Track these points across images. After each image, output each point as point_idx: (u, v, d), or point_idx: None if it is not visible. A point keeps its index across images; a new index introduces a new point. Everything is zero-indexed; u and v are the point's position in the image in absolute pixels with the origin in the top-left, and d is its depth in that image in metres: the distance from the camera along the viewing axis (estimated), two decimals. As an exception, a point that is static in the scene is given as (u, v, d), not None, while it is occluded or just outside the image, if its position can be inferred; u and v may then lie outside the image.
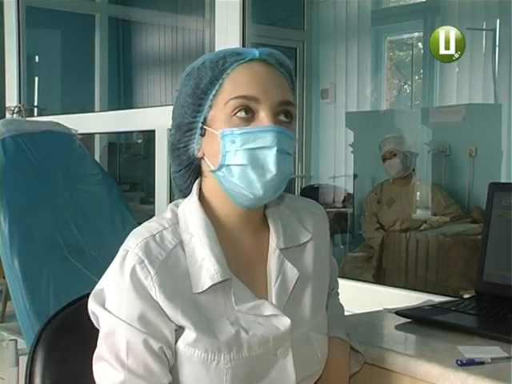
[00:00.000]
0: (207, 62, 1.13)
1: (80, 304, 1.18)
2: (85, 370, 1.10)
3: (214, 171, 1.12)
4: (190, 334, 1.06)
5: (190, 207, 1.14)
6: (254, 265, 1.16)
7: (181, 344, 1.07)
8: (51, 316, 1.22)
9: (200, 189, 1.17)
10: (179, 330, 1.07)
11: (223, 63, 1.11)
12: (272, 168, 1.08)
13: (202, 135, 1.13)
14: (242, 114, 1.09)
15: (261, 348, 1.11)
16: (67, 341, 1.21)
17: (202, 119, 1.13)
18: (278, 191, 1.12)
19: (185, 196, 1.19)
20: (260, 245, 1.18)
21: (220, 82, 1.11)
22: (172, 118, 1.18)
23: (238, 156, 1.08)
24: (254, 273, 1.15)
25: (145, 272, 1.05)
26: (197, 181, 1.17)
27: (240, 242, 1.16)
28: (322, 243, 1.26)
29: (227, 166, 1.09)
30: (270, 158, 1.08)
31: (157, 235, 1.10)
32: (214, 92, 1.11)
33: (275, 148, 1.08)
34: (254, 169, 1.08)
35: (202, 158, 1.15)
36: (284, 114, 1.11)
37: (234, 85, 1.10)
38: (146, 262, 1.06)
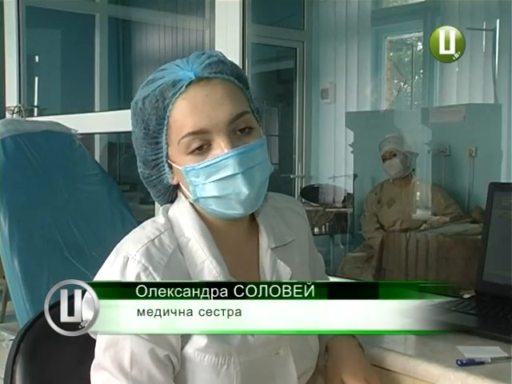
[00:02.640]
0: (147, 102, 1.10)
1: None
2: (66, 377, 1.09)
3: (193, 201, 1.13)
4: (200, 339, 1.06)
5: (181, 212, 1.15)
6: (248, 265, 1.17)
7: (189, 349, 1.07)
8: (25, 328, 1.20)
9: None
10: (186, 336, 1.07)
11: (163, 101, 1.09)
12: (244, 190, 1.08)
13: (170, 167, 1.13)
14: (196, 149, 1.08)
15: (265, 348, 1.11)
16: (46, 349, 1.20)
17: (164, 155, 1.12)
18: (259, 202, 1.13)
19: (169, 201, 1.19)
20: (251, 245, 1.19)
21: (166, 120, 1.09)
22: (136, 153, 1.17)
23: (208, 189, 1.09)
24: (247, 273, 1.16)
25: (150, 279, 1.05)
26: (182, 188, 1.16)
27: (232, 243, 1.16)
28: (304, 241, 1.27)
29: (201, 198, 1.10)
30: (238, 182, 1.08)
31: (155, 240, 1.10)
32: (165, 131, 1.10)
33: (240, 173, 1.07)
34: (226, 196, 1.08)
35: (178, 184, 1.15)
36: (240, 130, 1.09)
37: (179, 123, 1.08)
38: (151, 268, 1.06)
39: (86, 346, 1.12)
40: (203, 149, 1.08)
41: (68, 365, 1.12)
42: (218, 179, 1.07)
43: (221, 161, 1.07)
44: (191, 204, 1.15)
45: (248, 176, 1.08)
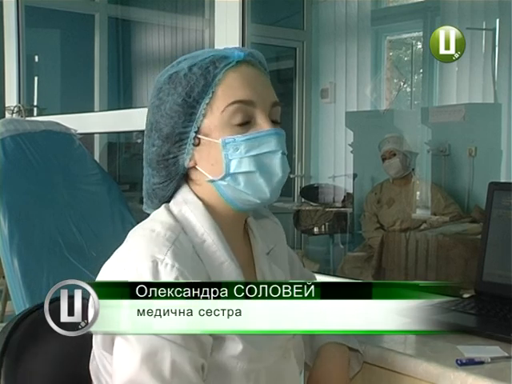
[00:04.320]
0: (195, 68, 1.09)
1: (40, 312, 1.13)
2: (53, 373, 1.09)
3: (213, 181, 1.10)
4: (235, 346, 1.04)
5: (193, 212, 1.11)
6: (246, 268, 1.17)
7: (222, 356, 1.04)
8: (8, 334, 1.20)
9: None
10: (217, 342, 1.05)
11: (214, 69, 1.08)
12: (278, 171, 1.08)
13: (196, 145, 1.10)
14: (240, 119, 1.07)
15: (279, 352, 1.12)
16: (33, 352, 1.19)
17: (195, 128, 1.09)
18: (278, 195, 1.12)
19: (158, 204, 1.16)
20: (247, 249, 1.19)
21: (212, 90, 1.08)
22: (153, 129, 1.12)
23: (244, 163, 1.07)
24: (247, 274, 1.16)
25: None
26: (185, 188, 1.14)
27: (235, 246, 1.16)
28: (283, 248, 1.28)
29: (232, 174, 1.08)
30: (275, 161, 1.08)
31: (176, 242, 1.06)
32: (207, 100, 1.08)
33: (280, 151, 1.08)
34: (261, 174, 1.07)
35: (193, 167, 1.12)
36: (272, 121, 1.10)
37: (228, 91, 1.08)
38: (186, 272, 1.03)
39: (76, 343, 1.10)
40: (246, 124, 1.07)
41: (56, 361, 1.11)
42: (258, 154, 1.07)
43: (264, 136, 1.07)
44: (203, 204, 1.12)
45: (284, 160, 1.08)
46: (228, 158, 1.07)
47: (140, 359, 1.00)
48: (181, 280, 1.02)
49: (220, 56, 1.10)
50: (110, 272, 1.07)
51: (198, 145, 1.10)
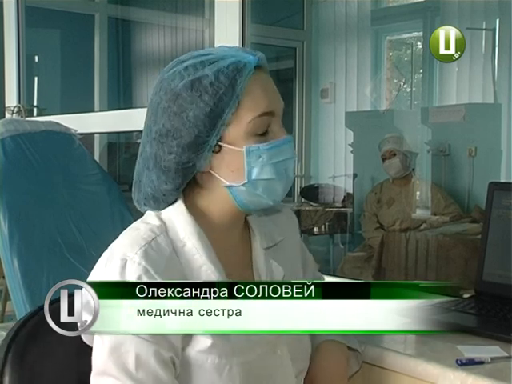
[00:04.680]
0: (221, 77, 1.07)
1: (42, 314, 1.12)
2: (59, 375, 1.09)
3: (231, 186, 1.11)
4: (204, 340, 1.06)
5: (177, 216, 1.13)
6: (242, 265, 1.17)
7: (191, 351, 1.06)
8: (16, 330, 1.19)
9: (185, 197, 1.15)
10: (187, 337, 1.06)
11: (239, 77, 1.08)
12: (291, 175, 1.14)
13: (216, 152, 1.10)
14: (263, 130, 1.10)
15: (263, 348, 1.11)
16: (36, 351, 1.19)
17: (217, 137, 1.09)
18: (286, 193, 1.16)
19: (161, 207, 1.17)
20: (245, 245, 1.19)
21: (239, 98, 1.08)
22: (170, 135, 1.10)
23: (266, 170, 1.10)
24: (243, 274, 1.16)
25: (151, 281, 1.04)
26: (214, 175, 1.14)
27: (227, 246, 1.16)
28: (294, 241, 1.28)
29: (253, 180, 1.10)
30: (290, 167, 1.13)
31: (152, 242, 1.08)
32: (233, 109, 1.08)
33: (294, 157, 1.13)
34: (280, 180, 1.11)
35: (207, 172, 1.12)
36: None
37: (254, 101, 1.09)
38: (152, 270, 1.05)
39: (80, 345, 1.11)
40: (265, 133, 1.11)
41: (61, 364, 1.11)
42: (278, 161, 1.11)
43: (283, 144, 1.11)
44: (186, 208, 1.13)
45: (295, 164, 1.15)
46: (251, 165, 1.09)
47: (107, 352, 1.03)
48: (144, 279, 1.03)
49: (241, 62, 1.09)
50: (95, 270, 1.10)
51: (218, 152, 1.10)
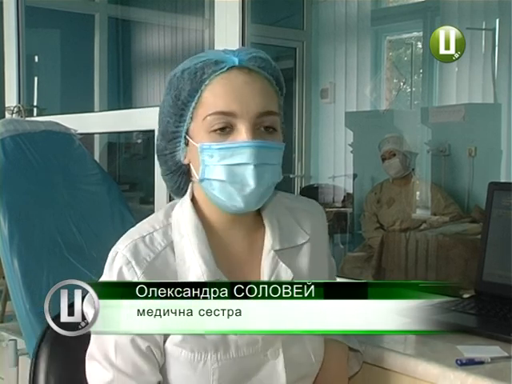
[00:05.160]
0: (186, 72, 1.11)
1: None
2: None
3: (198, 181, 1.13)
4: (176, 335, 1.08)
5: (183, 209, 1.16)
6: (248, 266, 1.17)
7: (168, 344, 1.10)
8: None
9: (192, 191, 1.18)
10: None
11: (201, 75, 1.10)
12: (251, 182, 1.08)
13: (186, 144, 1.14)
14: (218, 127, 1.08)
15: (249, 348, 1.11)
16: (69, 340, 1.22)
17: (184, 129, 1.13)
18: (261, 202, 1.13)
19: (181, 196, 1.20)
20: (254, 246, 1.19)
21: (199, 94, 1.10)
22: (158, 124, 1.19)
23: (217, 171, 1.09)
24: (247, 274, 1.16)
25: (131, 273, 1.08)
26: (191, 183, 1.19)
27: (232, 243, 1.16)
28: (320, 244, 1.25)
29: (207, 179, 1.10)
30: (247, 173, 1.08)
31: (146, 237, 1.12)
32: (193, 104, 1.11)
33: (252, 164, 1.07)
34: (232, 184, 1.08)
35: (189, 164, 1.16)
36: (264, 127, 1.10)
37: (212, 99, 1.09)
38: (133, 262, 1.08)
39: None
40: (225, 131, 1.09)
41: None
42: (230, 164, 1.08)
43: (238, 147, 1.07)
44: (192, 202, 1.16)
45: (259, 171, 1.08)
46: (204, 164, 1.10)
47: (94, 337, 1.10)
48: (125, 270, 1.08)
49: (213, 61, 1.10)
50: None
51: (188, 145, 1.14)
